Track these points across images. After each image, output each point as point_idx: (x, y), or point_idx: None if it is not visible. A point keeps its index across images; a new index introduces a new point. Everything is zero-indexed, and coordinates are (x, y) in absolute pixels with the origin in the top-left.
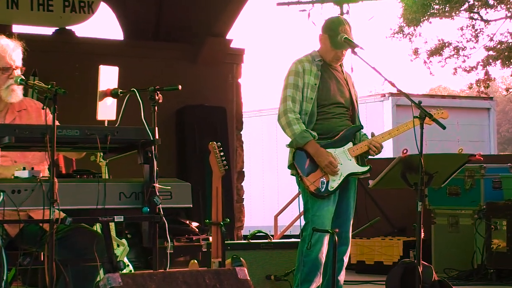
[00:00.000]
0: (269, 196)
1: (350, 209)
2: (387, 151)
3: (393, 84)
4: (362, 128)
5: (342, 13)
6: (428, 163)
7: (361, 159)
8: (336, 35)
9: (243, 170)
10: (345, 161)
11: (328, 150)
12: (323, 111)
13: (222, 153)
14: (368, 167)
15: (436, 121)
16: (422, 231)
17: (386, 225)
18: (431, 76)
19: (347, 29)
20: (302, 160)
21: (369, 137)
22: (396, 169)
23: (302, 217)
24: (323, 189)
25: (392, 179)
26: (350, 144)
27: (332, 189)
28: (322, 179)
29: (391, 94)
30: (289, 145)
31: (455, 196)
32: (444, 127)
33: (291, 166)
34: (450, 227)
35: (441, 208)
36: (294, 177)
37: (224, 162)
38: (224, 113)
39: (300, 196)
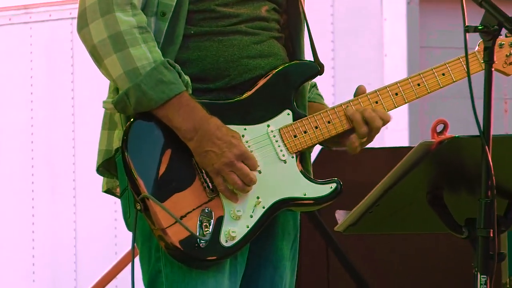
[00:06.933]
0: (26, 251)
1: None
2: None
3: None
4: (321, 73)
5: None
6: (507, 162)
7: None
8: None
9: None
10: (270, 165)
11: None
12: (206, 9)
13: None
14: (335, 185)
15: None
16: None
17: None
18: None
19: None
20: (148, 151)
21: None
22: (414, 179)
23: None
24: (204, 241)
25: (402, 209)
26: (286, 117)
27: (231, 244)
28: (206, 211)
29: None
30: (116, 103)
31: None
32: None
33: (109, 168)
34: None
35: None
36: (113, 201)
37: None
38: None
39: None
